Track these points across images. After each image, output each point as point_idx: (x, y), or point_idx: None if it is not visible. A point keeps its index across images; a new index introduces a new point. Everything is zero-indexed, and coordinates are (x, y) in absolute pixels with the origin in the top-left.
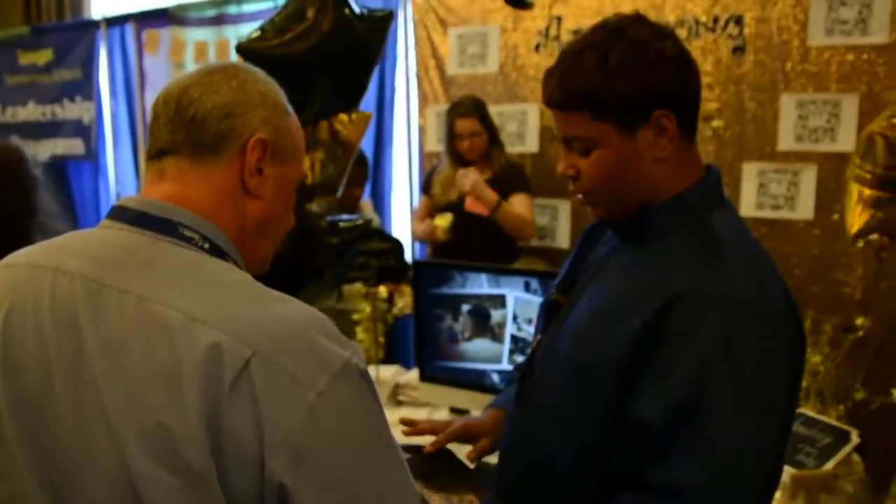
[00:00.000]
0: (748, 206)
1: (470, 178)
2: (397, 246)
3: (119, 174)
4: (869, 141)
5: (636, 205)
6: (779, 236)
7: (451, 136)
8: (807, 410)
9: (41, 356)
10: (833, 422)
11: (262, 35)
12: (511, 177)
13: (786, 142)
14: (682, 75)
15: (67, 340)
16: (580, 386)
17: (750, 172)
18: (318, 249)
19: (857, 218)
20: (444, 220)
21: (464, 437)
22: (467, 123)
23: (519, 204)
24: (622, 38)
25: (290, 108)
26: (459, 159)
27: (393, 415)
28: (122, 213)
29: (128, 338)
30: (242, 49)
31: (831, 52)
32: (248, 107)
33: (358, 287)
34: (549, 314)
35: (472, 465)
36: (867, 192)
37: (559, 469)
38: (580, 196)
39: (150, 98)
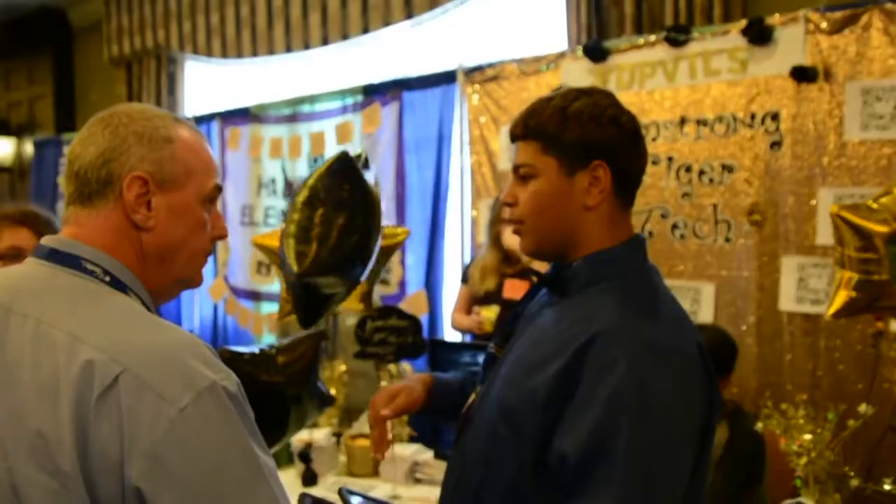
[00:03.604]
0: (788, 301)
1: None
2: (415, 323)
3: None
4: (835, 226)
5: (558, 245)
6: (821, 332)
7: (496, 224)
8: (806, 499)
9: None
10: None
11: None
12: None
13: (825, 236)
14: (628, 142)
15: None
16: (508, 427)
17: (789, 266)
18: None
19: (835, 299)
20: (491, 312)
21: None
22: None
23: None
24: (588, 96)
25: (176, 134)
26: (502, 248)
27: (410, 492)
28: (38, 250)
29: (23, 355)
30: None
31: (868, 147)
32: (121, 150)
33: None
34: (486, 367)
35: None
36: (847, 274)
37: None
38: (514, 226)
39: (230, 191)
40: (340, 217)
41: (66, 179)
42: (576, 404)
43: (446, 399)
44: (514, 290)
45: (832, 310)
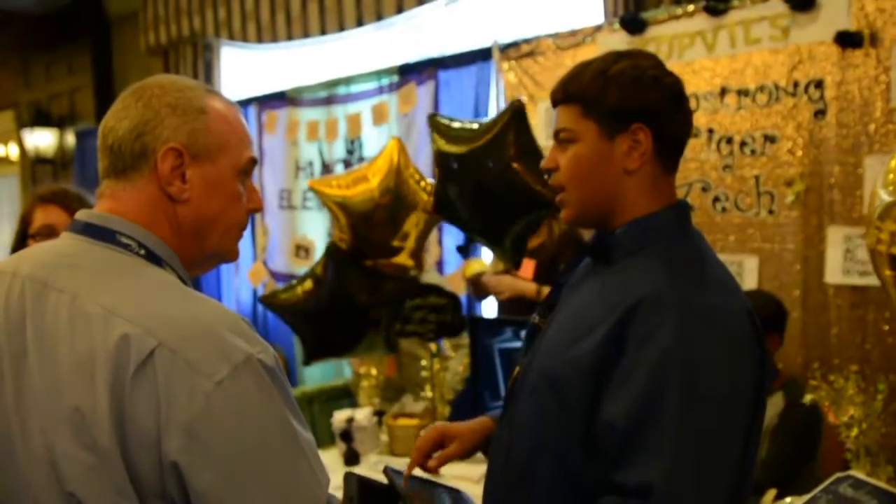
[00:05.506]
0: (834, 273)
1: (504, 285)
2: (454, 301)
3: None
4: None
5: (600, 211)
6: (869, 304)
7: None
8: (856, 472)
9: None
10: (882, 484)
11: None
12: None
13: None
14: (670, 103)
15: (15, 334)
16: (554, 398)
17: (836, 238)
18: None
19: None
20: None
21: (438, 444)
22: None
23: None
24: (629, 59)
25: (209, 105)
26: None
27: (453, 469)
28: (73, 225)
29: (59, 331)
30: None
31: None
32: (155, 122)
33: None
34: (530, 338)
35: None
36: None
37: (540, 484)
38: (556, 195)
39: (268, 175)
40: None
41: (101, 153)
42: (622, 370)
43: None
44: (526, 269)
45: None
